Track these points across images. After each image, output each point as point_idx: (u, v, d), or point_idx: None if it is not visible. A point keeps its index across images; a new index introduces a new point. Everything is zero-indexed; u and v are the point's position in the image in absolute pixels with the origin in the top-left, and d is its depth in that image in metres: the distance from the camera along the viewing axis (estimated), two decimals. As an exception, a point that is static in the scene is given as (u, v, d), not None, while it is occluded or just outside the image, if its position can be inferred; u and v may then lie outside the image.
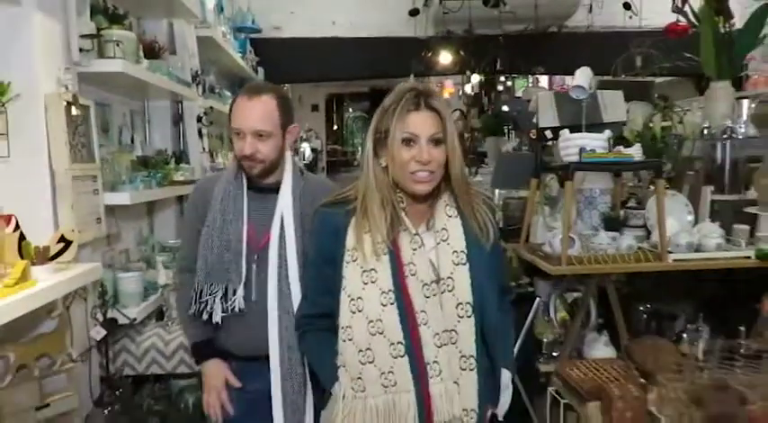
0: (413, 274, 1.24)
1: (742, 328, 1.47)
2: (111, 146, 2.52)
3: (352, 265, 1.26)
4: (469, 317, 1.22)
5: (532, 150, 2.98)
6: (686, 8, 2.77)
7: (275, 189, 1.63)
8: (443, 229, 1.26)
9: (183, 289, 1.71)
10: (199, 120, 3.22)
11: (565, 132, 2.21)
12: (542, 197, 2.52)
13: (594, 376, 1.42)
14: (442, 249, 1.25)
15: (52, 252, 1.68)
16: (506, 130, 4.99)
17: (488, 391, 1.28)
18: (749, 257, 2.15)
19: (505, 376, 1.32)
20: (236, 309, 1.57)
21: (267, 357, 1.58)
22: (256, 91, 1.59)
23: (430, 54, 4.31)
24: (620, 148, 2.21)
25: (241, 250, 1.58)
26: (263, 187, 1.65)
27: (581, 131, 2.29)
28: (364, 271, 1.25)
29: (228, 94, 3.92)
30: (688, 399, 1.14)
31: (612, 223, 2.38)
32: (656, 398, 1.28)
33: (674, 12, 2.79)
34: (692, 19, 2.74)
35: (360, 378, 1.23)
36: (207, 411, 1.68)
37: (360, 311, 1.24)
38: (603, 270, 2.12)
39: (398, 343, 1.21)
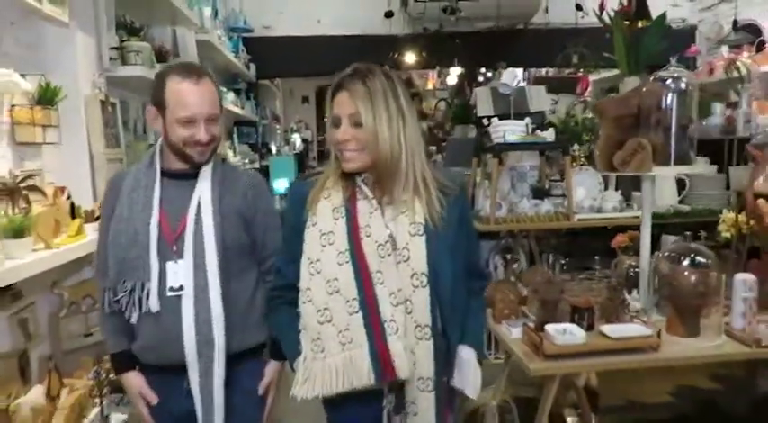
0: (368, 236, 1.26)
1: (596, 257, 2.04)
2: (129, 136, 3.07)
3: (312, 229, 1.29)
4: (424, 287, 1.23)
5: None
6: (605, 13, 3.31)
7: (192, 175, 1.52)
8: (403, 201, 1.27)
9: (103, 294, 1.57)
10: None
11: (494, 120, 2.78)
12: (483, 173, 3.09)
13: (493, 293, 1.98)
14: (400, 221, 1.26)
15: (96, 215, 2.24)
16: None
17: (446, 362, 1.30)
18: (638, 217, 2.73)
19: (470, 355, 1.31)
20: (150, 309, 1.44)
21: (180, 367, 1.46)
22: (198, 74, 1.50)
23: (397, 55, 4.85)
24: (538, 131, 2.78)
25: (148, 243, 1.45)
26: (178, 173, 1.53)
27: (509, 119, 2.86)
28: (323, 234, 1.28)
29: (224, 89, 4.46)
30: (533, 292, 1.72)
31: (538, 193, 2.95)
32: (528, 303, 1.85)
33: (596, 16, 3.33)
34: (606, 20, 3.28)
35: (319, 338, 1.25)
36: None
37: (318, 273, 1.26)
38: (522, 227, 2.70)
39: (353, 299, 1.23)
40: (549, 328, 1.58)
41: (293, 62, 5.83)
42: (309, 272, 1.28)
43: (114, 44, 2.60)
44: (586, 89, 4.65)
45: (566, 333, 1.55)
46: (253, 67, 5.56)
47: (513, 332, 1.74)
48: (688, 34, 5.55)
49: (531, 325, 1.67)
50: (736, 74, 3.26)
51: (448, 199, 1.31)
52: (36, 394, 1.88)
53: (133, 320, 1.48)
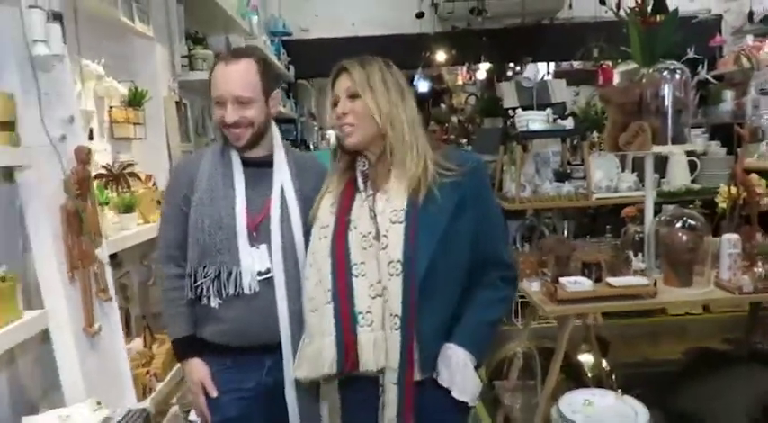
0: (355, 228, 1.28)
1: (608, 227, 2.35)
2: (192, 132, 3.49)
3: (316, 223, 1.35)
4: (398, 275, 1.22)
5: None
6: (621, 9, 3.57)
7: (266, 163, 1.52)
8: (389, 188, 1.28)
9: (167, 280, 1.55)
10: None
11: (519, 111, 3.09)
12: (510, 158, 3.40)
13: (516, 257, 2.29)
14: (385, 208, 1.27)
15: (177, 198, 2.65)
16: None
17: (417, 356, 1.25)
18: (651, 195, 3.01)
19: (456, 354, 1.25)
20: (244, 291, 1.43)
21: (266, 347, 1.45)
22: (235, 56, 1.48)
23: (428, 53, 5.17)
24: (559, 120, 3.08)
25: (235, 228, 1.45)
26: (252, 161, 1.52)
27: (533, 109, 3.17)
28: (321, 228, 1.33)
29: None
30: (548, 251, 2.03)
31: (560, 176, 3.25)
32: (546, 265, 2.17)
33: (612, 11, 3.59)
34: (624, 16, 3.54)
35: (309, 326, 1.32)
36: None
37: (314, 264, 1.32)
38: (544, 205, 3.02)
39: (328, 290, 1.28)
40: (563, 279, 1.91)
41: (329, 62, 6.14)
42: (309, 262, 1.33)
43: (184, 53, 3.01)
44: (609, 81, 4.88)
45: (576, 283, 1.87)
46: (292, 67, 5.95)
47: (533, 286, 2.07)
48: (714, 24, 5.68)
49: (548, 279, 1.99)
50: (746, 64, 3.49)
51: (444, 181, 1.26)
52: (138, 342, 2.30)
53: (213, 305, 1.44)
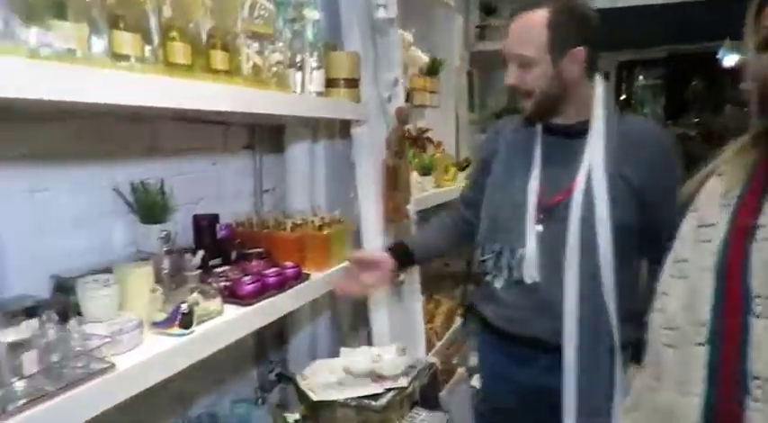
0: (765, 239, 0.83)
1: None
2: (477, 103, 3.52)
3: (689, 217, 0.94)
4: None
5: None
6: None
7: (579, 132, 1.25)
8: None
9: (434, 220, 1.62)
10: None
11: None
12: None
13: None
14: None
15: (463, 166, 2.69)
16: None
17: None
18: None
19: None
20: (527, 279, 1.27)
21: (545, 344, 1.27)
22: (530, 6, 1.22)
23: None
24: None
25: (525, 205, 1.27)
26: (559, 129, 1.29)
27: None
28: (700, 226, 0.91)
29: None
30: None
31: None
32: None
33: None
34: None
35: (658, 363, 0.93)
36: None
37: (682, 278, 0.91)
38: None
39: (702, 326, 0.86)
40: None
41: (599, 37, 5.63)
42: (671, 273, 0.93)
43: (479, 23, 3.02)
44: None
45: None
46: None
47: None
48: None
49: None
50: None
51: None
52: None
53: (496, 285, 1.32)
